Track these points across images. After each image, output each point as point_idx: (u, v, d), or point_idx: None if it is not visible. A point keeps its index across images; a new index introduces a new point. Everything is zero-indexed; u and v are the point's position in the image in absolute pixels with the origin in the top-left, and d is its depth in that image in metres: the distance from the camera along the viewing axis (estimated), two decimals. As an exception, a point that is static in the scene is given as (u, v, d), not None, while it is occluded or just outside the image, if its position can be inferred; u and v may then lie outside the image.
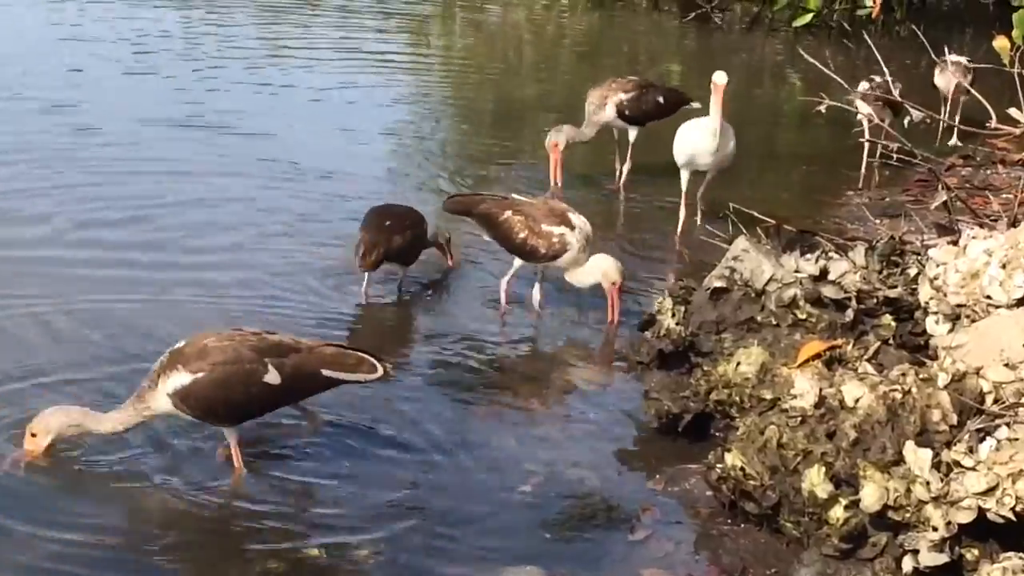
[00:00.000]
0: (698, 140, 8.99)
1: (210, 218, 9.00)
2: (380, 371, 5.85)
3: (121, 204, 9.12)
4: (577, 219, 7.72)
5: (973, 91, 9.83)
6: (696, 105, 10.35)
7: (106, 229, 8.68)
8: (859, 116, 10.06)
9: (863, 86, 10.31)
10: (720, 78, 8.68)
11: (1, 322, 7.23)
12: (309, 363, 5.76)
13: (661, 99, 10.23)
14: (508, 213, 7.70)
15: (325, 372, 5.78)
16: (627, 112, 10.04)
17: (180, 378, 5.70)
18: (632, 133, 10.11)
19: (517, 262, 7.80)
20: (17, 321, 7.26)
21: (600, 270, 7.64)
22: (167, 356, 5.79)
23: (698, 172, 9.19)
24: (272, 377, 5.70)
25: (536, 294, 7.87)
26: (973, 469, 5.06)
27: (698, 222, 9.12)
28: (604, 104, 10.02)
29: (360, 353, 5.89)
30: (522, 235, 7.66)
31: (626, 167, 10.20)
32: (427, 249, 8.21)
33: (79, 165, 9.84)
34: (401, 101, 12.62)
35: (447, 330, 7.63)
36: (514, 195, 8.00)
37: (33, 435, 5.77)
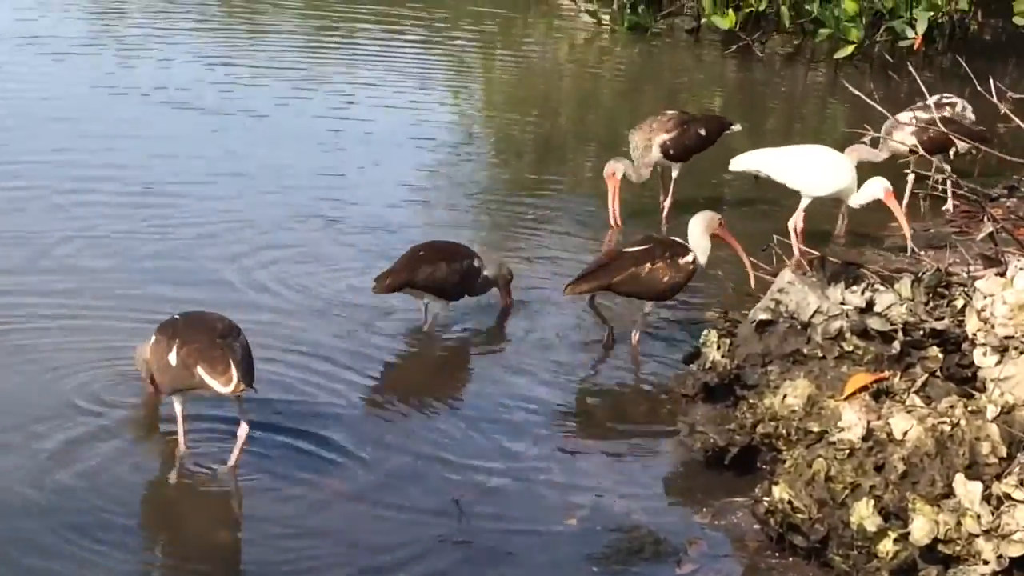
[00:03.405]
0: (842, 177, 9.41)
1: (255, 243, 9.11)
2: (231, 387, 5.75)
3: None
4: (679, 240, 7.87)
5: None
6: (737, 127, 10.35)
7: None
8: (902, 148, 10.02)
9: (905, 116, 10.23)
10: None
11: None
12: (191, 357, 5.84)
13: (703, 131, 10.17)
14: (648, 265, 7.67)
15: (199, 369, 5.81)
16: (671, 152, 9.98)
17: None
18: (675, 170, 10.08)
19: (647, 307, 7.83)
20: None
21: (704, 224, 7.84)
22: None
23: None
24: (172, 358, 5.90)
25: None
26: (1024, 502, 5.03)
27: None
28: (649, 146, 9.96)
29: (231, 363, 5.82)
30: (667, 278, 7.68)
31: (668, 202, 10.16)
32: (488, 290, 8.17)
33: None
34: (440, 133, 12.58)
35: (491, 364, 7.65)
36: (624, 249, 7.91)
37: None
